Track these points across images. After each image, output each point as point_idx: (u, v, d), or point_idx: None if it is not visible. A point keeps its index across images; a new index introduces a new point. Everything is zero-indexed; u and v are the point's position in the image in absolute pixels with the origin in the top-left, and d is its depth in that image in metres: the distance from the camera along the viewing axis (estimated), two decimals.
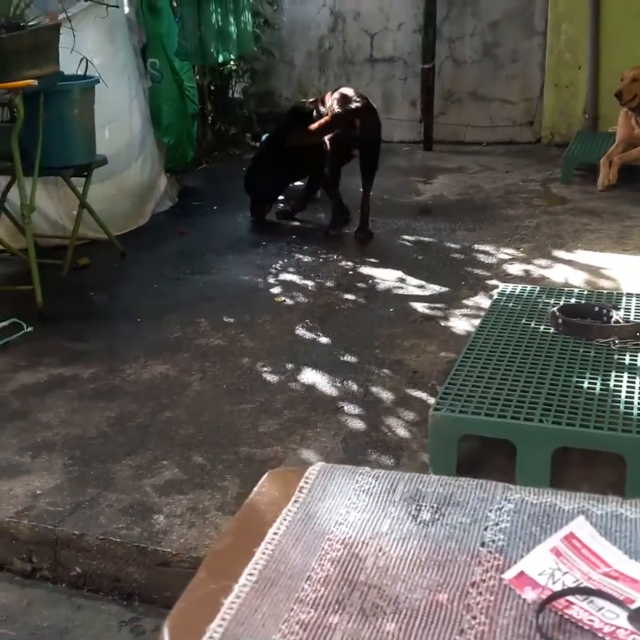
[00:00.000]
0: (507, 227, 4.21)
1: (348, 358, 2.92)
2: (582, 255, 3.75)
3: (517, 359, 2.44)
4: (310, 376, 2.79)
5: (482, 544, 0.87)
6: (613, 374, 2.31)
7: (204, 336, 3.14)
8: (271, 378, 2.79)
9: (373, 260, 3.90)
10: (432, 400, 2.38)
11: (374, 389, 2.68)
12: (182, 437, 2.44)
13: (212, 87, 5.87)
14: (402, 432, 2.42)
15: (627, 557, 0.85)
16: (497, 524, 0.91)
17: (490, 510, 0.93)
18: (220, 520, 2.03)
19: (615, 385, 2.25)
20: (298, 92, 6.40)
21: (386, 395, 2.64)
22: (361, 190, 4.18)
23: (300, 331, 3.16)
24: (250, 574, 0.82)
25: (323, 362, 2.89)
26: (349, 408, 2.57)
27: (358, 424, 2.47)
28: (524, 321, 2.70)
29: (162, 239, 4.29)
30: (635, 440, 2.01)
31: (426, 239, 4.14)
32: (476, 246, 3.98)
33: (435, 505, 0.94)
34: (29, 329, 3.17)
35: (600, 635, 0.75)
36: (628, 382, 2.26)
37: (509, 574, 0.82)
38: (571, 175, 4.90)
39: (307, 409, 2.57)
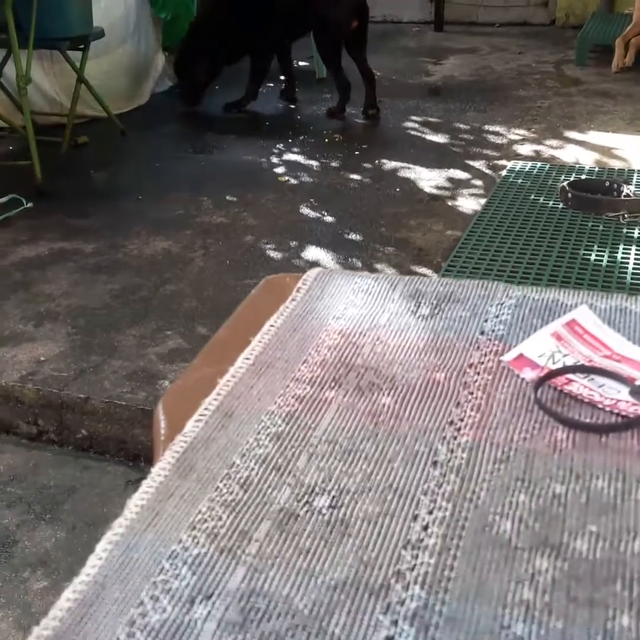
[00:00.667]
0: (518, 108, 4.08)
1: (352, 236, 2.88)
2: (594, 136, 3.65)
3: (525, 233, 2.39)
4: (313, 253, 2.76)
5: (482, 333, 0.87)
6: (621, 247, 2.27)
7: (206, 214, 3.09)
8: (275, 255, 2.76)
9: (380, 140, 3.80)
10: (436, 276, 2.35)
11: (378, 266, 2.66)
12: (185, 310, 2.43)
13: None
14: None
15: (631, 343, 0.83)
16: (497, 316, 0.90)
17: (491, 305, 0.92)
18: None
19: (623, 258, 2.22)
20: None
21: (390, 271, 2.61)
22: (357, 67, 3.99)
23: (305, 210, 3.10)
24: (247, 358, 0.82)
25: (327, 240, 2.85)
26: None
27: None
28: (532, 197, 2.64)
29: (162, 119, 4.17)
30: None
31: (435, 119, 4.02)
32: (486, 127, 3.86)
33: (434, 302, 0.93)
34: (29, 204, 3.12)
35: (600, 407, 0.74)
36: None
37: (508, 357, 0.82)
38: (585, 56, 4.72)
39: None
